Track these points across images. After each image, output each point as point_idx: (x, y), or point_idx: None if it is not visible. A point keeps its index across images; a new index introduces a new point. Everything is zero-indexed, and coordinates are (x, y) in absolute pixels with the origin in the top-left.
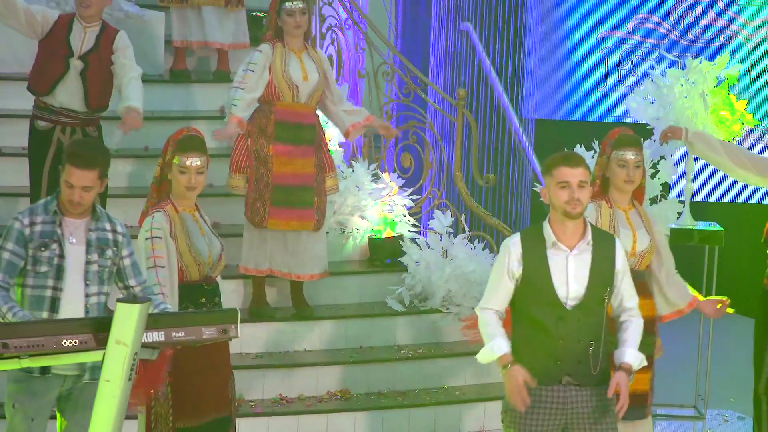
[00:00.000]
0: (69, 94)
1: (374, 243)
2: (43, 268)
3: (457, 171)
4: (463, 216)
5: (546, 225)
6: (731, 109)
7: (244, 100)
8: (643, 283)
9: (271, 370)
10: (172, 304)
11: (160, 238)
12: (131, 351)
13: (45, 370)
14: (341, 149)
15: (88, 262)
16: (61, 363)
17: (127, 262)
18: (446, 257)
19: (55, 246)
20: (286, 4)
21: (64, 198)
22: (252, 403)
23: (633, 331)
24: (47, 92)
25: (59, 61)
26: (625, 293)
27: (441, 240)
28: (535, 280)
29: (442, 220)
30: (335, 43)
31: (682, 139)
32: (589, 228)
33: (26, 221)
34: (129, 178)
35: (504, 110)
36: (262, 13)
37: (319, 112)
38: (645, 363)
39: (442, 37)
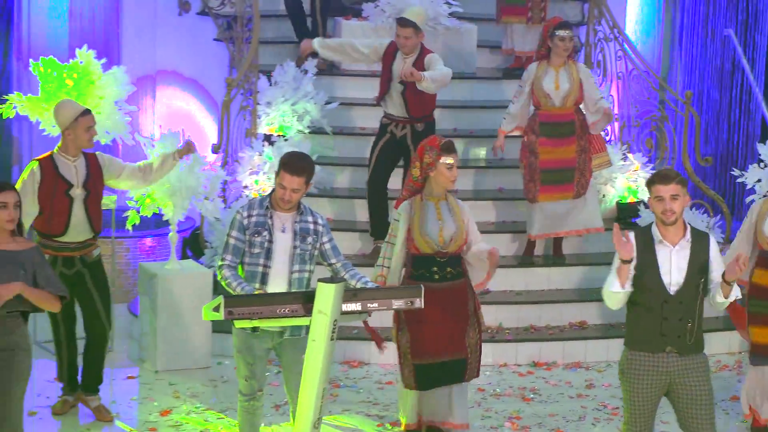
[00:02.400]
0: (394, 106)
1: (620, 206)
2: (256, 250)
3: (684, 153)
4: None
5: (654, 226)
6: None
7: (510, 115)
8: None
9: (526, 306)
10: (389, 272)
11: (398, 220)
12: (331, 319)
13: (254, 330)
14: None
15: (293, 247)
16: (280, 325)
17: (327, 246)
18: None
19: (266, 233)
20: (558, 32)
21: (277, 196)
22: (507, 331)
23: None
24: (378, 103)
25: (385, 84)
26: (716, 276)
27: None
28: (645, 270)
29: None
30: (602, 51)
31: None
32: (688, 228)
33: (245, 214)
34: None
35: (747, 100)
36: None
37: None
38: (738, 294)
39: (694, 42)
